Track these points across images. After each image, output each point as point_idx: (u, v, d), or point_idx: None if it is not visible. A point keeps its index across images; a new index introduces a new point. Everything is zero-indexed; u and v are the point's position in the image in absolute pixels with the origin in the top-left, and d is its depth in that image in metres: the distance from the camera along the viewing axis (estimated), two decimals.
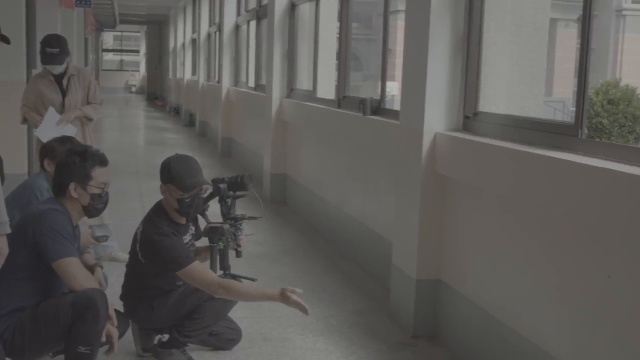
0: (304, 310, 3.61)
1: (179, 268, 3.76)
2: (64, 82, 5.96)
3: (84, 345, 3.27)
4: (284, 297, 3.64)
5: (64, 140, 4.63)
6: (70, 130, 5.61)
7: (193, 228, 4.15)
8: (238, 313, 4.59)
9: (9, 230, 2.62)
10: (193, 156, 4.08)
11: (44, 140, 5.25)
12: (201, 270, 3.78)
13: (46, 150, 4.64)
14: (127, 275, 4.08)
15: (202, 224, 4.19)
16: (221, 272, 4.07)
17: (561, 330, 3.33)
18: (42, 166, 4.68)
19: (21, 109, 6.05)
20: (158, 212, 3.95)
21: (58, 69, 5.93)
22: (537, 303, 3.50)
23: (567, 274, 3.29)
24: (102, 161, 3.60)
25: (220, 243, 4.00)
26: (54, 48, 5.87)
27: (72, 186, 3.49)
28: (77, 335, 3.27)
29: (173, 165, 3.90)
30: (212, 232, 3.99)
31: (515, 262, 3.65)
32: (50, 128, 5.68)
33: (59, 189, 3.54)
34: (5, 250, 2.60)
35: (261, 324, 4.72)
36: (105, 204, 3.68)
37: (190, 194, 3.87)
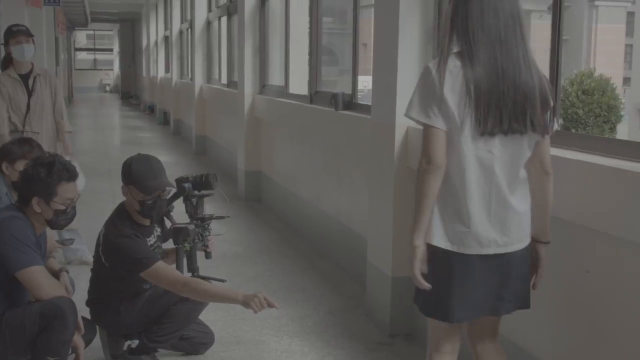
0: (272, 305, 3.51)
1: (142, 269, 3.65)
2: (30, 82, 5.81)
3: (52, 355, 3.17)
4: (245, 304, 3.53)
5: (22, 142, 4.47)
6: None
7: (159, 230, 4.03)
8: (210, 316, 4.49)
9: None
10: (156, 156, 3.94)
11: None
12: (166, 269, 3.68)
13: (3, 153, 4.47)
14: (93, 280, 3.96)
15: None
16: (189, 274, 3.96)
17: (541, 327, 3.26)
18: (0, 170, 4.53)
19: None
20: (120, 214, 3.83)
21: (28, 51, 5.72)
22: None
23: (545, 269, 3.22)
24: (70, 177, 3.43)
25: (186, 244, 3.89)
26: (20, 26, 5.74)
27: (34, 200, 3.35)
28: (44, 345, 3.17)
29: (134, 166, 3.76)
30: (177, 233, 3.88)
31: None
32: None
33: (22, 200, 3.41)
34: None
35: (235, 326, 4.62)
36: (71, 219, 3.53)
37: (152, 196, 3.75)
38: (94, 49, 44.75)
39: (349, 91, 5.91)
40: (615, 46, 28.99)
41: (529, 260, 2.79)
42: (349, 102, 5.76)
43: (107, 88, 40.09)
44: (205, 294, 3.70)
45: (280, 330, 4.57)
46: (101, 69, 42.26)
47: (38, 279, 3.22)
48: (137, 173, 3.74)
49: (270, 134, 8.36)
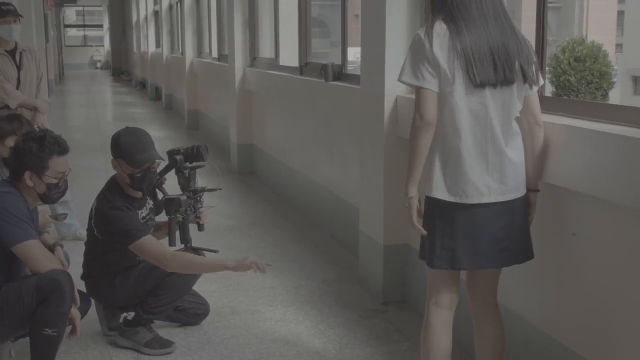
0: (261, 269, 3.57)
1: (131, 241, 3.67)
2: (17, 57, 5.86)
3: (50, 327, 3.21)
4: (237, 268, 3.62)
5: (12, 118, 4.48)
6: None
7: (151, 202, 4.06)
8: (205, 287, 4.55)
9: None
10: (148, 131, 3.97)
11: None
12: (153, 243, 3.70)
13: None
14: (86, 254, 4.00)
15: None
16: (182, 246, 4.00)
17: (528, 290, 3.31)
18: None
19: None
20: (112, 187, 3.86)
21: (16, 30, 5.80)
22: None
23: (533, 232, 3.27)
24: (61, 150, 3.45)
25: (178, 215, 3.92)
26: (9, 5, 5.89)
27: (27, 175, 3.38)
28: (42, 318, 3.20)
29: (122, 139, 3.78)
30: (168, 203, 3.90)
31: None
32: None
33: (14, 174, 3.43)
34: None
35: (229, 297, 4.67)
36: (63, 192, 3.57)
37: (141, 169, 3.77)
38: (84, 25, 44.40)
39: (339, 62, 5.92)
40: (607, 13, 28.89)
41: (526, 210, 2.93)
42: (339, 73, 5.77)
43: (98, 64, 39.81)
44: (194, 266, 3.74)
45: (275, 300, 4.62)
46: (91, 45, 41.94)
47: (34, 253, 3.26)
48: (125, 146, 3.76)
49: (261, 106, 8.37)
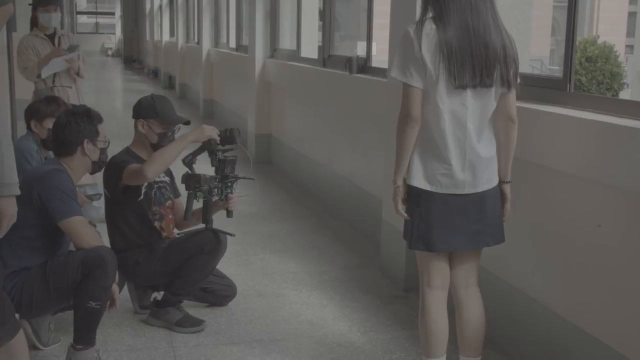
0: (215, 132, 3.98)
1: (123, 169, 3.91)
2: (56, 41, 6.12)
3: (94, 300, 3.36)
4: (197, 136, 3.97)
5: (50, 100, 4.69)
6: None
7: (168, 178, 4.27)
8: (231, 270, 4.69)
9: (18, 192, 2.66)
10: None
11: (45, 74, 5.87)
12: (134, 167, 3.92)
13: (32, 112, 4.67)
14: (111, 233, 4.15)
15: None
16: (202, 225, 4.11)
17: (551, 279, 3.44)
18: (28, 128, 4.69)
19: (29, 67, 6.07)
20: (125, 152, 4.13)
21: (55, 19, 6.11)
22: (527, 252, 3.61)
23: (558, 223, 3.39)
24: (100, 118, 3.78)
25: (199, 193, 4.02)
26: None
27: (85, 143, 3.62)
28: (86, 291, 3.35)
29: (157, 102, 4.14)
30: (188, 178, 4.00)
31: (511, 219, 3.74)
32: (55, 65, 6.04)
33: (66, 149, 3.61)
34: (14, 210, 2.65)
35: (255, 280, 4.81)
36: (107, 159, 3.86)
37: (172, 128, 4.11)
38: (96, 12, 44.48)
39: (360, 54, 6.04)
40: (618, 13, 28.91)
41: (499, 198, 3.15)
42: (363, 66, 5.89)
43: (110, 52, 39.91)
44: (164, 157, 3.89)
45: (299, 285, 4.76)
46: (103, 33, 42.05)
47: (80, 228, 3.41)
48: (161, 108, 4.12)
49: (281, 97, 8.48)
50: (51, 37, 6.13)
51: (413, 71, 2.92)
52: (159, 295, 4.23)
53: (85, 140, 3.62)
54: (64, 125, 3.59)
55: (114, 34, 41.02)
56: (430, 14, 2.96)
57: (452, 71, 2.88)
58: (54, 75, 6.11)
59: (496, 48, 2.91)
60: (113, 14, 42.12)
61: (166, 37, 21.15)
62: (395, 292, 4.65)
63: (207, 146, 4.07)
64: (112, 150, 3.99)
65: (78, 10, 42.49)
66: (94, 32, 42.55)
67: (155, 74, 23.68)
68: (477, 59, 2.89)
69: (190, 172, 4.04)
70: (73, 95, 6.14)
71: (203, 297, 4.33)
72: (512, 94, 3.06)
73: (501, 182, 3.15)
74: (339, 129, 6.49)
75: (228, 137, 4.11)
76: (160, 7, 22.69)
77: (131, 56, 34.23)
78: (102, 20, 43.93)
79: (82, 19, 44.20)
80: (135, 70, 28.68)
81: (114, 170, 3.98)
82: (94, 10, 44.48)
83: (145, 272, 4.05)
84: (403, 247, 4.64)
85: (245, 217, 6.32)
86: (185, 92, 16.97)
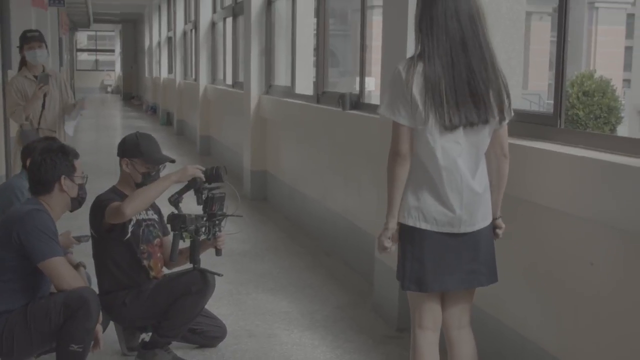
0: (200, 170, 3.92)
1: (104, 208, 3.86)
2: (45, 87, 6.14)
3: (77, 343, 3.29)
4: (181, 176, 3.90)
5: (47, 141, 4.64)
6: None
7: (156, 216, 4.19)
8: (223, 310, 4.61)
9: None
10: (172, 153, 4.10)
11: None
12: (114, 206, 3.85)
13: (29, 151, 4.63)
14: (98, 273, 4.09)
15: None
16: (190, 265, 4.05)
17: (546, 319, 3.37)
18: (24, 166, 4.66)
19: (16, 111, 6.16)
20: (111, 191, 4.08)
21: (41, 55, 6.14)
22: (522, 292, 3.54)
23: (551, 261, 3.33)
24: (76, 153, 3.74)
25: (185, 233, 3.96)
26: (34, 32, 6.25)
27: (62, 180, 3.55)
28: (69, 334, 3.28)
29: (141, 141, 4.08)
30: (173, 219, 3.95)
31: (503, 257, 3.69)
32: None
33: (44, 187, 3.54)
34: None
35: (246, 320, 4.73)
36: (86, 195, 3.78)
37: (157, 167, 4.05)
38: (96, 50, 44.83)
39: (354, 91, 6.03)
40: (615, 48, 29.06)
41: (492, 236, 3.09)
42: (357, 102, 5.87)
43: (109, 89, 40.16)
44: (145, 196, 3.85)
45: (291, 324, 4.68)
46: (102, 70, 42.34)
47: (60, 269, 3.35)
48: (145, 147, 4.06)
49: (276, 133, 8.47)
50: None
51: (401, 109, 2.89)
52: (146, 336, 4.15)
53: (62, 176, 3.55)
54: (39, 163, 3.54)
55: (114, 70, 41.31)
56: (419, 50, 2.94)
57: (441, 112, 2.84)
58: (40, 116, 6.19)
59: (485, 86, 2.87)
60: (113, 51, 42.48)
61: (165, 73, 21.28)
62: (388, 331, 4.57)
63: (192, 185, 4.02)
64: (108, 186, 4.01)
65: (78, 47, 42.87)
66: (93, 69, 42.83)
67: (153, 110, 23.76)
68: (464, 98, 2.85)
69: (176, 211, 3.99)
70: (59, 138, 6.08)
71: (192, 338, 4.25)
72: (504, 130, 3.03)
73: (493, 218, 3.09)
74: (333, 166, 6.45)
75: (214, 174, 4.06)
76: (159, 44, 22.86)
77: (130, 93, 34.43)
78: (102, 57, 44.27)
79: (83, 56, 44.59)
80: (134, 107, 28.80)
81: (98, 209, 3.94)
82: (94, 47, 44.82)
83: (132, 314, 3.98)
84: (396, 286, 4.55)
85: (239, 255, 6.26)
86: (183, 128, 16.99)
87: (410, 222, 2.96)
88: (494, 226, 3.10)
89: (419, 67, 2.87)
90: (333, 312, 4.94)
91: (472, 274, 3.03)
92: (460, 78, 2.85)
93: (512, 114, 3.03)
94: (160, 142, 4.34)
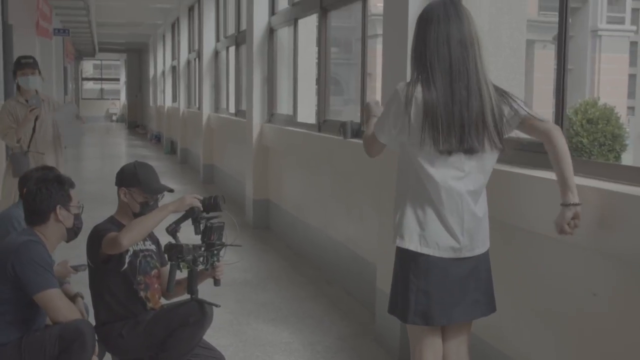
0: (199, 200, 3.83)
1: (102, 237, 3.75)
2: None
3: None
4: (179, 206, 3.81)
5: (45, 169, 4.61)
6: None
7: (154, 247, 4.13)
8: (223, 341, 4.56)
9: None
10: (173, 183, 4.06)
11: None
12: (111, 236, 3.75)
13: (25, 180, 4.60)
14: (95, 304, 4.04)
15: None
16: (187, 296, 4.00)
17: (546, 348, 3.31)
18: (21, 196, 4.63)
19: (9, 133, 6.25)
20: (109, 221, 3.97)
21: (33, 82, 6.23)
22: (522, 320, 3.49)
23: (553, 291, 3.28)
24: (72, 183, 3.70)
25: (183, 263, 3.92)
26: (28, 59, 6.32)
27: (57, 210, 3.51)
28: None
29: (139, 170, 4.02)
30: (170, 249, 3.91)
31: (499, 275, 3.64)
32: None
33: (39, 217, 3.51)
34: None
35: (246, 351, 4.67)
36: (82, 225, 3.74)
37: (155, 197, 3.98)
38: (101, 79, 45.10)
39: (356, 119, 6.00)
40: (618, 75, 29.16)
41: (489, 265, 3.05)
42: (358, 130, 5.83)
43: (114, 117, 40.33)
44: (142, 226, 3.75)
45: (291, 356, 4.62)
46: (108, 99, 42.56)
47: (56, 301, 3.30)
48: (143, 177, 3.99)
49: (278, 162, 8.45)
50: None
51: (385, 127, 2.97)
52: None
53: (58, 206, 3.51)
54: (34, 193, 3.51)
55: (119, 99, 41.53)
56: (415, 76, 2.93)
57: (437, 137, 2.82)
58: (30, 139, 6.26)
59: (477, 112, 2.84)
60: (118, 80, 42.72)
61: (169, 102, 21.36)
62: None
63: (190, 214, 3.99)
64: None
65: (84, 76, 43.15)
66: (99, 98, 43.06)
67: (158, 139, 23.81)
68: (455, 123, 2.83)
69: (173, 241, 3.95)
70: (50, 162, 6.06)
71: None
72: (526, 120, 2.94)
73: (567, 205, 2.82)
74: (335, 194, 6.42)
75: (212, 204, 4.03)
76: (164, 73, 22.97)
77: (135, 121, 34.56)
78: (107, 86, 44.49)
79: (88, 84, 44.82)
80: (138, 135, 28.88)
81: (95, 239, 3.90)
82: (100, 76, 45.10)
83: (129, 345, 3.92)
84: None
85: (240, 285, 6.21)
86: (187, 157, 17.01)
87: (413, 247, 2.92)
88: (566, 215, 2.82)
89: (418, 92, 2.86)
90: (334, 342, 4.87)
91: (475, 304, 2.99)
92: (448, 104, 2.84)
93: (528, 109, 2.96)
94: (163, 170, 4.32)
